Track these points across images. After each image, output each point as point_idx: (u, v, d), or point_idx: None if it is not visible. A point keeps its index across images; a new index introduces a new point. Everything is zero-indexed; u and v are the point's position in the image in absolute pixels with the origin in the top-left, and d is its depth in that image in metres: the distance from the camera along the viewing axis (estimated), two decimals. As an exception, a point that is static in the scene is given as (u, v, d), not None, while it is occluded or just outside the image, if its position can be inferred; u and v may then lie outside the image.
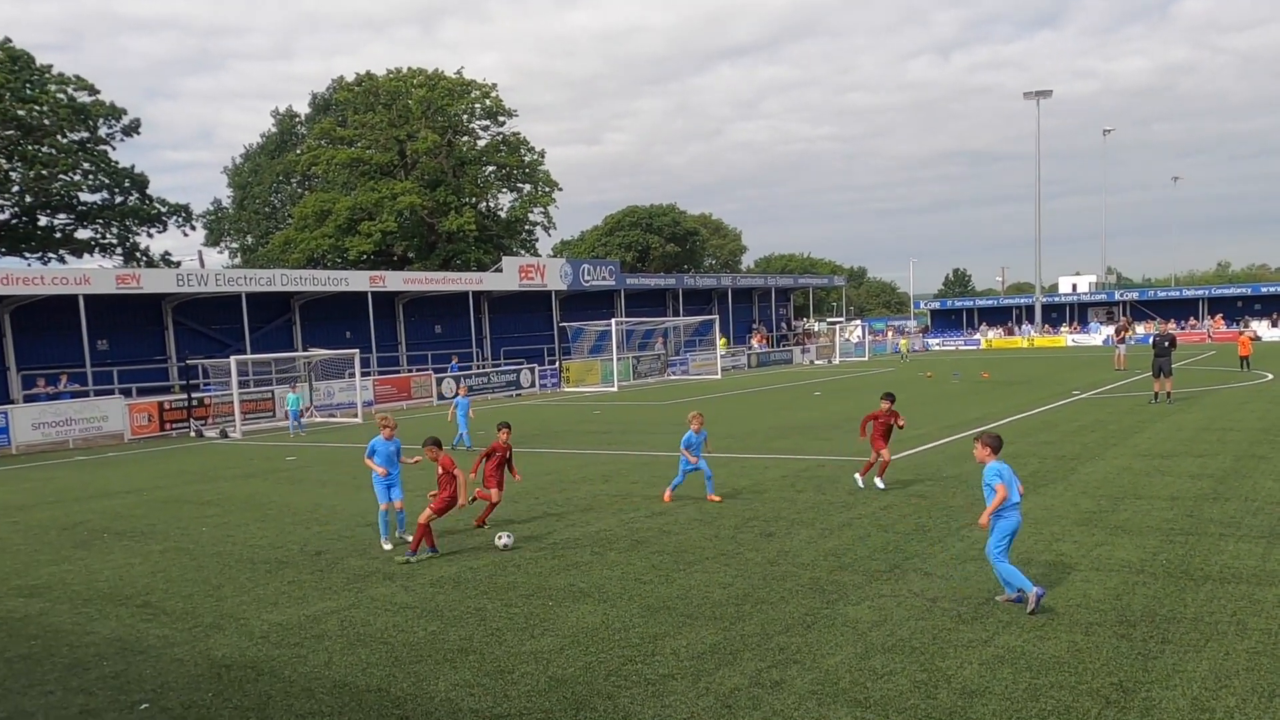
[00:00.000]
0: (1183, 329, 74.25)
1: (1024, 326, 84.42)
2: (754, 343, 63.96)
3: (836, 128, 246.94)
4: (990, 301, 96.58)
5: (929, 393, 36.19)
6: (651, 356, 54.67)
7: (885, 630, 8.85)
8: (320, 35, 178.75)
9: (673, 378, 53.38)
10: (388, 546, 13.16)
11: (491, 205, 75.74)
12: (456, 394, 26.85)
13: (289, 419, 32.44)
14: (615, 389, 45.98)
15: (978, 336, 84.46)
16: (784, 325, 76.88)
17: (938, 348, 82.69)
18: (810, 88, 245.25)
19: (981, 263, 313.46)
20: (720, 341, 58.44)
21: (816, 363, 65.21)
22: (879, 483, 15.95)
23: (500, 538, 12.86)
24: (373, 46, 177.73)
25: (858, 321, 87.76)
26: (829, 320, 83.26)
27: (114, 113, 51.42)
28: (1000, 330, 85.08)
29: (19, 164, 48.13)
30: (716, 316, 57.58)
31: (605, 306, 59.17)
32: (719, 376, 52.47)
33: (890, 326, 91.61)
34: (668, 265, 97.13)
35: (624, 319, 53.01)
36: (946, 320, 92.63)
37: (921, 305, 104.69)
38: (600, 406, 37.13)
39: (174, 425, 33.81)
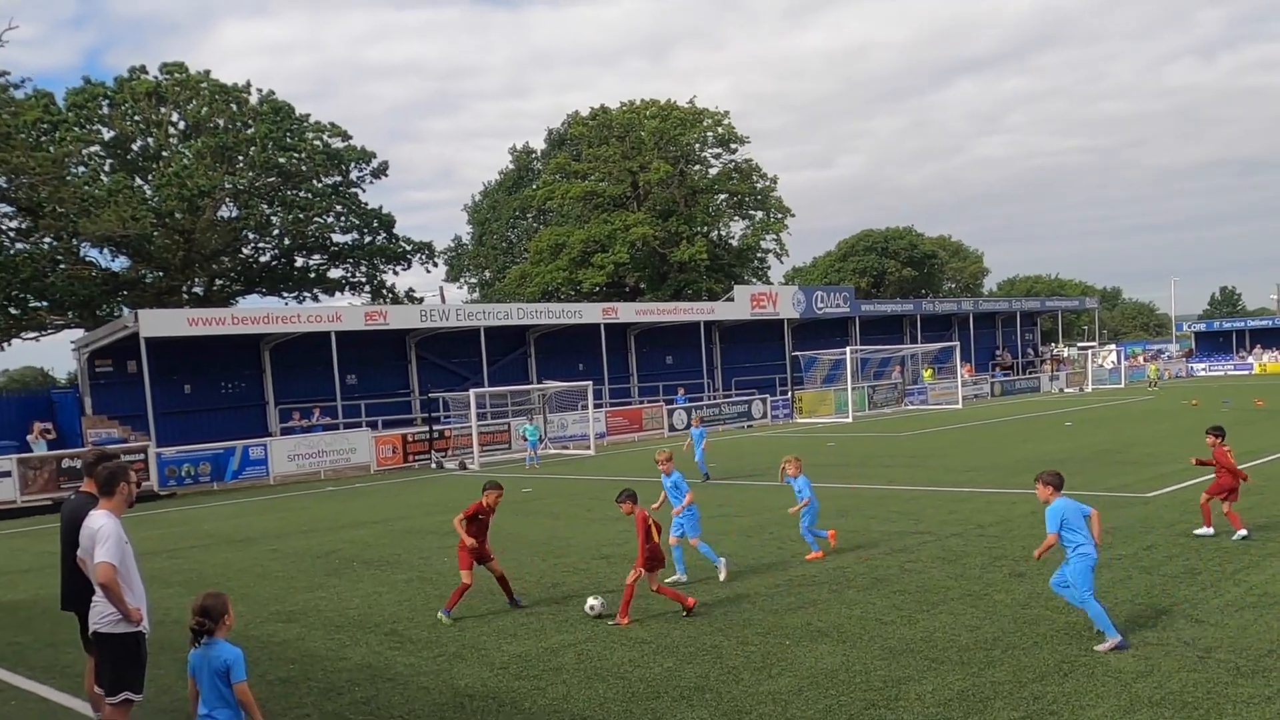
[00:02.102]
0: None
1: (1305, 349, 77.58)
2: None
3: (1086, 139, 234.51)
4: (1264, 322, 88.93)
5: (1192, 422, 33.76)
6: (888, 385, 53.38)
7: (1152, 682, 8.16)
8: (553, 72, 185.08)
9: (910, 408, 51.91)
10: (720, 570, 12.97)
11: (723, 234, 76.06)
12: (689, 425, 26.75)
13: (528, 448, 33.23)
14: (849, 420, 45.07)
15: (1250, 360, 78.18)
16: (1030, 351, 73.64)
17: (1203, 373, 77.22)
18: (1057, 98, 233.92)
19: (1253, 280, 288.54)
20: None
21: (1066, 391, 62.06)
22: (1240, 532, 13.65)
23: (592, 606, 11.45)
24: (604, 80, 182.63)
25: (1111, 346, 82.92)
26: (1079, 345, 79.12)
27: (364, 156, 54.51)
28: (1276, 353, 78.51)
29: (279, 209, 51.67)
30: (957, 343, 55.55)
31: (839, 334, 58.22)
32: (960, 406, 50.65)
33: (1144, 351, 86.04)
34: (904, 290, 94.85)
35: (859, 347, 51.98)
36: (1213, 343, 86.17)
37: (1184, 327, 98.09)
38: (834, 438, 36.44)
39: (416, 457, 35.27)
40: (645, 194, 70.95)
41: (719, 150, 73.66)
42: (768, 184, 74.52)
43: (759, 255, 77.45)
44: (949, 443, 31.81)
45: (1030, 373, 66.47)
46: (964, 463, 25.37)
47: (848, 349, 48.13)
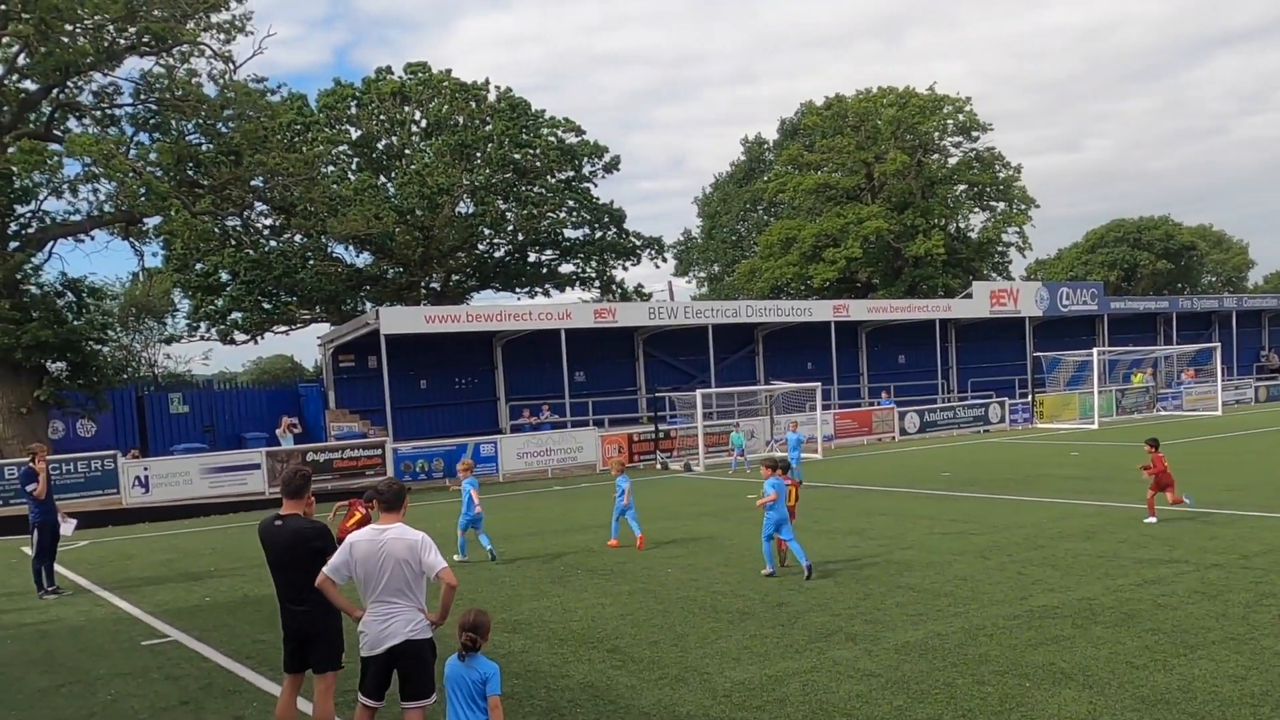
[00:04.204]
0: None
1: None
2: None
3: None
4: None
5: None
6: (1139, 389, 50.16)
7: None
8: (781, 56, 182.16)
9: (1163, 414, 48.54)
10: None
11: (961, 226, 73.25)
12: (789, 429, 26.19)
13: (735, 454, 32.40)
14: (1095, 426, 42.49)
15: None
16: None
17: None
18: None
19: None
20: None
21: (1343, 397, 56.81)
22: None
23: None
24: (835, 64, 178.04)
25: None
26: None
27: (596, 151, 55.24)
28: None
29: (514, 205, 53.00)
30: (1218, 344, 51.50)
31: (1085, 333, 55.19)
32: (1219, 413, 47.02)
33: None
34: (1158, 285, 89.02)
35: (1106, 348, 49.07)
36: None
37: None
38: (1078, 446, 34.42)
39: (641, 457, 35.07)
40: (880, 186, 69.15)
41: (959, 139, 70.85)
42: (1010, 173, 71.26)
43: (999, 249, 74.29)
44: (1208, 455, 29.40)
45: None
46: (1225, 480, 23.36)
47: (1095, 349, 45.48)
